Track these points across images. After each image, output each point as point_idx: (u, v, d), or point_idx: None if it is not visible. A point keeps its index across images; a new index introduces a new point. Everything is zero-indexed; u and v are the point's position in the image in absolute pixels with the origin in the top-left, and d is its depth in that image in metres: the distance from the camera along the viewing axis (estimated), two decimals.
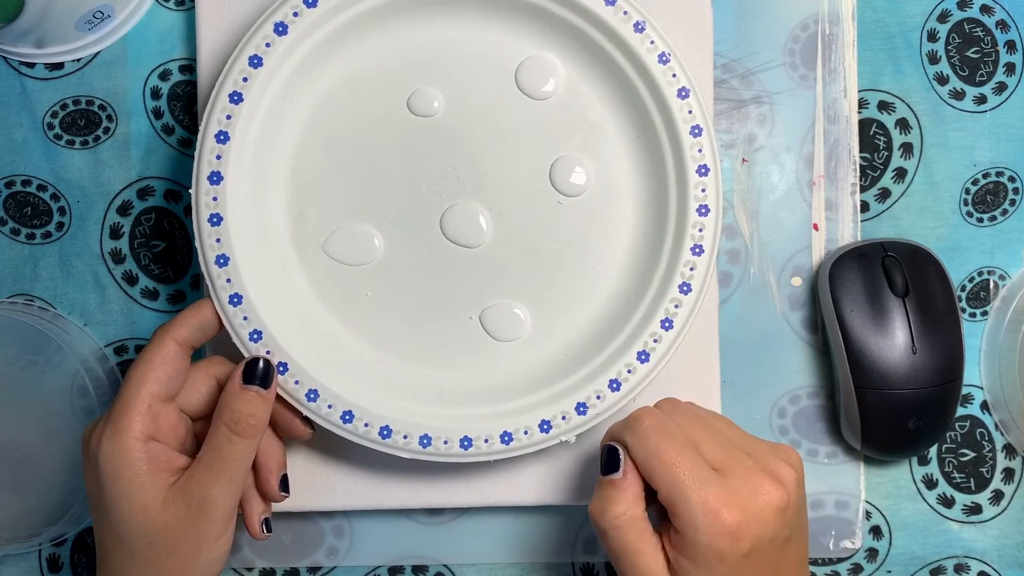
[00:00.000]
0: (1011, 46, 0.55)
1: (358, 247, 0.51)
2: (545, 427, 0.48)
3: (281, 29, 0.48)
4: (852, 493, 0.54)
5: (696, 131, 0.49)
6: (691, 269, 0.49)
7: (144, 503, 0.44)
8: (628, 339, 0.49)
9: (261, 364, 0.46)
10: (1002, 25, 0.55)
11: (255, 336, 0.48)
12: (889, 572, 0.55)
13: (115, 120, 0.54)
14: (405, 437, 0.48)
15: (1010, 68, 0.55)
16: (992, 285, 0.55)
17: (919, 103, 0.55)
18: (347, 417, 0.48)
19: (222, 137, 0.48)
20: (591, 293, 0.51)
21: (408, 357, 0.51)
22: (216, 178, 0.48)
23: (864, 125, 0.55)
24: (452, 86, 0.51)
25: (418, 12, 0.50)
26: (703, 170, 0.49)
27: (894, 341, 0.51)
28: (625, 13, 0.48)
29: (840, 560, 0.55)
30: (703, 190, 0.49)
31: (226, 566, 0.54)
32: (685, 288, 0.49)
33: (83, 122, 0.54)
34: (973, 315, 0.55)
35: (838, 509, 0.54)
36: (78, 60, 0.54)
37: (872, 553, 0.55)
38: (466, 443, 0.48)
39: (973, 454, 0.55)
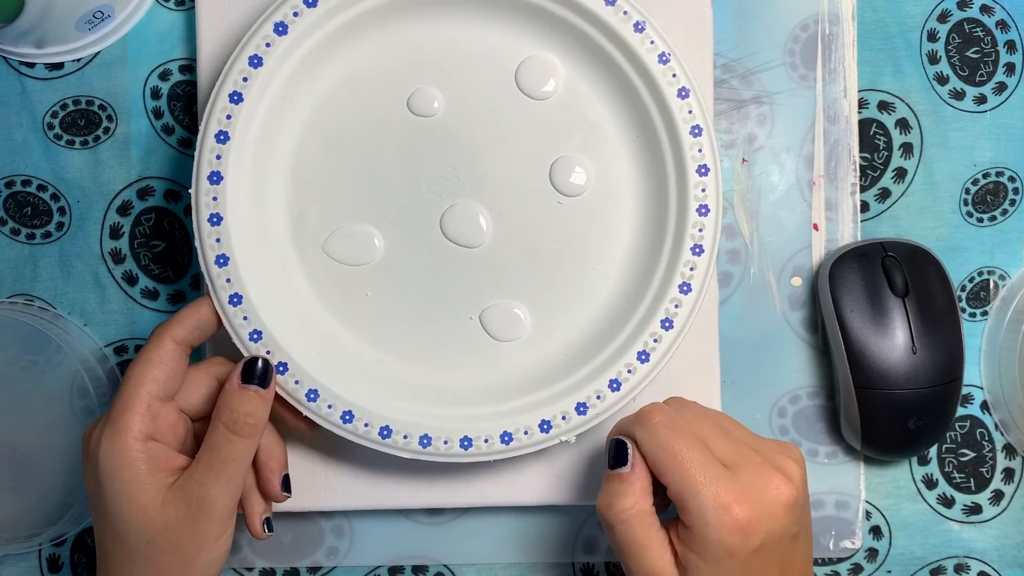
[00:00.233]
0: (1011, 46, 0.55)
1: (358, 247, 0.51)
2: (545, 427, 0.48)
3: (281, 29, 0.48)
4: (852, 493, 0.54)
5: (696, 131, 0.49)
6: (691, 269, 0.49)
7: (143, 503, 0.44)
8: (628, 339, 0.49)
9: (260, 363, 0.46)
10: (1002, 25, 0.55)
11: (255, 336, 0.48)
12: (889, 572, 0.55)
13: (115, 120, 0.54)
14: (405, 437, 0.48)
15: (1010, 68, 0.55)
16: (992, 285, 0.55)
17: (919, 103, 0.55)
18: (347, 417, 0.48)
19: (222, 137, 0.48)
20: (591, 293, 0.51)
21: (408, 357, 0.51)
22: (216, 178, 0.48)
23: (864, 125, 0.55)
24: (452, 86, 0.51)
25: (418, 12, 0.50)
26: (703, 170, 0.49)
27: (894, 341, 0.51)
28: (625, 13, 0.48)
29: (840, 560, 0.55)
30: (703, 190, 0.49)
31: (226, 566, 0.54)
32: (685, 288, 0.49)
33: (83, 122, 0.54)
34: (973, 315, 0.55)
35: (838, 509, 0.54)
36: (78, 60, 0.54)
37: (872, 553, 0.55)
38: (466, 443, 0.48)
39: (973, 454, 0.55)
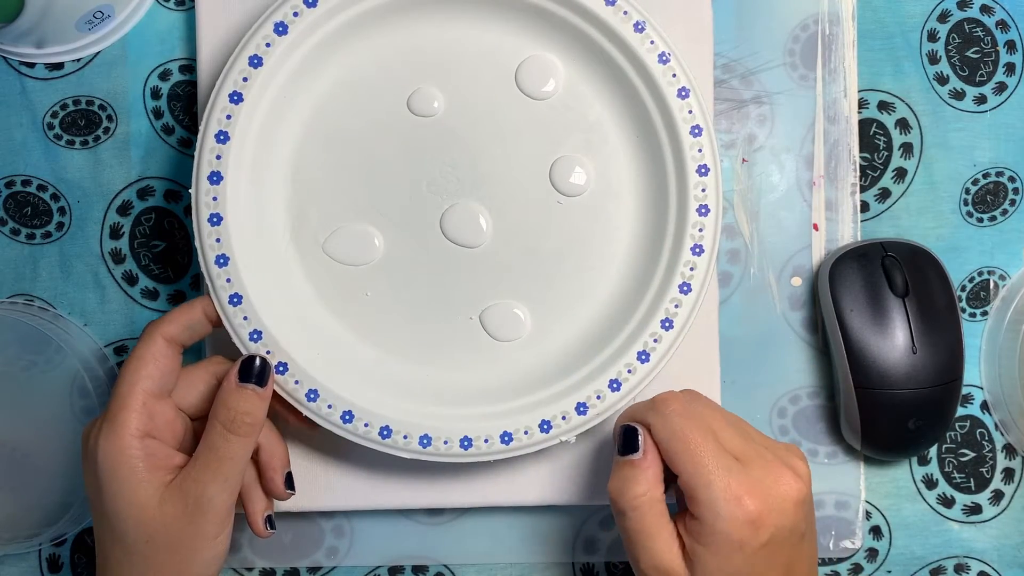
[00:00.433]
0: (1011, 46, 0.55)
1: (358, 247, 0.51)
2: (545, 427, 0.48)
3: (281, 29, 0.48)
4: (852, 493, 0.54)
5: (696, 131, 0.49)
6: (691, 269, 0.49)
7: (141, 501, 0.44)
8: (628, 339, 0.49)
9: (258, 362, 0.46)
10: (1002, 25, 0.55)
11: (255, 336, 0.48)
12: (889, 572, 0.55)
13: (115, 120, 0.54)
14: (405, 437, 0.48)
15: (1010, 68, 0.55)
16: (992, 285, 0.55)
17: (919, 103, 0.55)
18: (347, 417, 0.48)
19: (222, 137, 0.48)
20: (591, 293, 0.51)
21: (408, 357, 0.51)
22: (216, 178, 0.48)
23: (864, 125, 0.55)
24: (452, 86, 0.51)
25: (418, 12, 0.50)
26: (703, 170, 0.49)
27: (894, 341, 0.51)
28: (625, 13, 0.48)
29: (840, 560, 0.55)
30: (703, 190, 0.49)
31: (225, 565, 0.54)
32: (685, 288, 0.49)
33: (83, 122, 0.54)
34: (973, 315, 0.55)
35: (838, 509, 0.54)
36: (78, 60, 0.54)
37: (872, 553, 0.55)
38: (466, 443, 0.48)
39: (973, 454, 0.55)
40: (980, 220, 0.55)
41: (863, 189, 0.55)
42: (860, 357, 0.51)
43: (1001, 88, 0.55)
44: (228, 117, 0.48)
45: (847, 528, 0.54)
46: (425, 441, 0.48)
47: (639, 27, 0.48)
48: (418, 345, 0.51)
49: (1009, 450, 0.55)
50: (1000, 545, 0.55)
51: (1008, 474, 0.55)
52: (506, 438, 0.48)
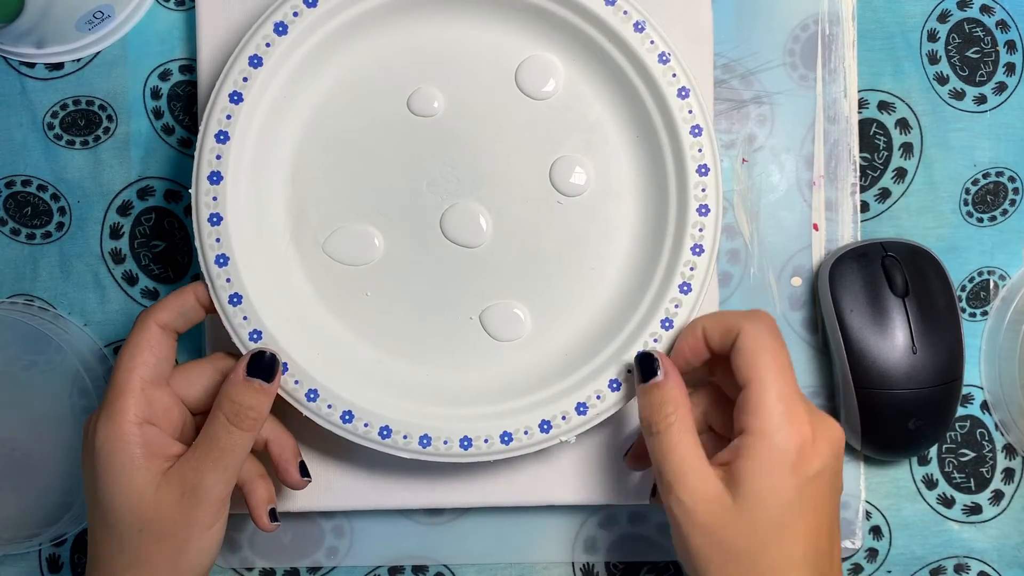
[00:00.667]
0: (1011, 46, 0.55)
1: (358, 247, 0.51)
2: (545, 427, 0.48)
3: (281, 29, 0.48)
4: (852, 493, 0.54)
5: (696, 131, 0.49)
6: (691, 269, 0.49)
7: (138, 487, 0.43)
8: (628, 339, 0.49)
9: (267, 356, 0.46)
10: (1002, 25, 0.55)
11: (255, 336, 0.48)
12: (889, 572, 0.55)
13: (115, 120, 0.54)
14: (405, 437, 0.48)
15: (1010, 68, 0.55)
16: (992, 285, 0.55)
17: (919, 103, 0.55)
18: (347, 417, 0.48)
19: (222, 137, 0.48)
20: (591, 293, 0.51)
21: (408, 357, 0.51)
22: (216, 178, 0.48)
23: (864, 125, 0.55)
24: (452, 86, 0.51)
25: (418, 12, 0.50)
26: (703, 170, 0.49)
27: (894, 341, 0.51)
28: (625, 13, 0.48)
29: (840, 560, 0.55)
30: (703, 190, 0.49)
31: (223, 565, 0.54)
32: (685, 288, 0.49)
33: (83, 122, 0.54)
34: (973, 315, 0.55)
35: None
36: (78, 60, 0.54)
37: (872, 553, 0.55)
38: (466, 443, 0.48)
39: (973, 454, 0.55)
40: (980, 220, 0.55)
41: (863, 189, 0.55)
42: (860, 357, 0.51)
43: (1001, 88, 0.55)
44: (228, 117, 0.48)
45: (847, 528, 0.54)
46: (425, 441, 0.48)
47: (639, 27, 0.48)
48: (418, 345, 0.51)
49: (1009, 450, 0.55)
50: (1000, 545, 0.55)
51: (1008, 474, 0.55)
52: (506, 438, 0.48)
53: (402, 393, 0.49)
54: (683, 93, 0.49)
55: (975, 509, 0.55)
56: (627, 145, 0.51)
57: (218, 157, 0.48)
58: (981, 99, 0.55)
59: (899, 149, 0.55)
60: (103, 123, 0.54)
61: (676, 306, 0.49)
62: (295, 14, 0.48)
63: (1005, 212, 0.55)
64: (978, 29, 0.55)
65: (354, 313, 0.51)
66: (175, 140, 0.54)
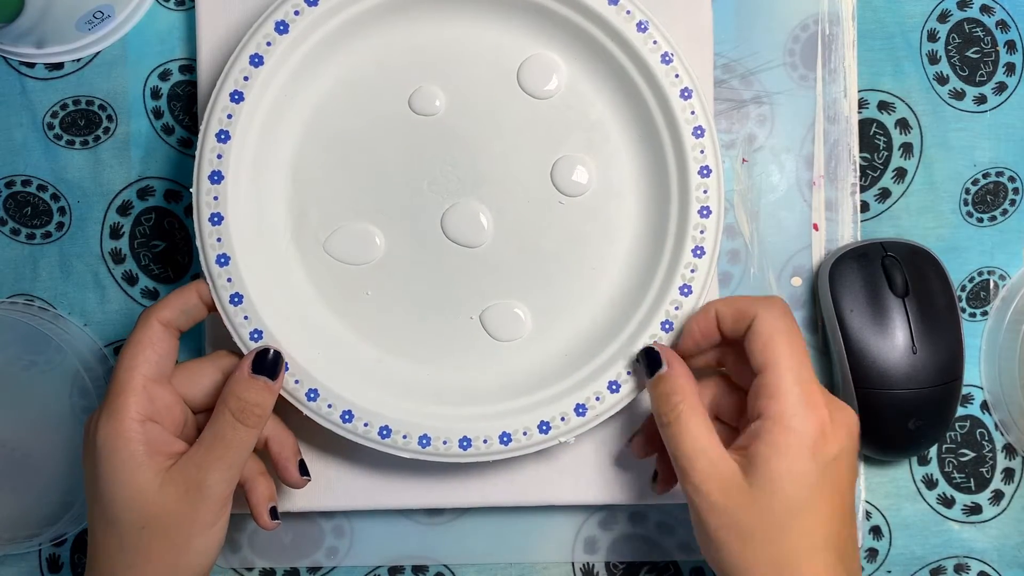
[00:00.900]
0: (1011, 46, 0.55)
1: (359, 246, 0.51)
2: (544, 428, 0.48)
3: (282, 28, 0.48)
4: None
5: (698, 132, 0.49)
6: (692, 271, 0.49)
7: (140, 484, 0.43)
8: (628, 340, 0.49)
9: (271, 354, 0.46)
10: (1002, 25, 0.55)
11: (255, 335, 0.48)
12: (889, 572, 0.55)
13: (115, 120, 0.54)
14: (405, 437, 0.48)
15: (1010, 68, 0.55)
16: (992, 285, 0.55)
17: (919, 103, 0.55)
18: (347, 417, 0.48)
19: (223, 136, 0.48)
20: (592, 294, 0.51)
21: (408, 357, 0.51)
22: (217, 177, 0.48)
23: (864, 125, 0.55)
24: (453, 85, 0.51)
25: (419, 10, 0.50)
26: (705, 171, 0.49)
27: (894, 341, 0.51)
28: (628, 12, 0.48)
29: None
30: (705, 191, 0.49)
31: (224, 565, 0.54)
32: (686, 290, 0.49)
33: (83, 122, 0.54)
34: (973, 315, 0.55)
35: None
36: (78, 60, 0.54)
37: (872, 553, 0.55)
38: (465, 443, 0.48)
39: (973, 454, 0.55)
40: (980, 220, 0.55)
41: (863, 189, 0.55)
42: (860, 357, 0.51)
43: (1001, 88, 0.55)
44: (229, 116, 0.48)
45: None
46: (424, 441, 0.48)
47: (642, 27, 0.48)
48: (418, 345, 0.51)
49: (1009, 450, 0.55)
50: (1000, 545, 0.55)
51: (1008, 474, 0.55)
52: (505, 438, 0.48)
53: (402, 393, 0.49)
54: (686, 94, 0.49)
55: (975, 509, 0.55)
56: (629, 145, 0.51)
57: (219, 156, 0.48)
58: (981, 99, 0.55)
59: (899, 149, 0.55)
60: (103, 123, 0.54)
61: (676, 308, 0.49)
62: (296, 13, 0.48)
63: (1005, 212, 0.55)
64: (978, 29, 0.55)
65: (355, 312, 0.51)
66: (175, 140, 0.54)
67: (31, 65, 0.54)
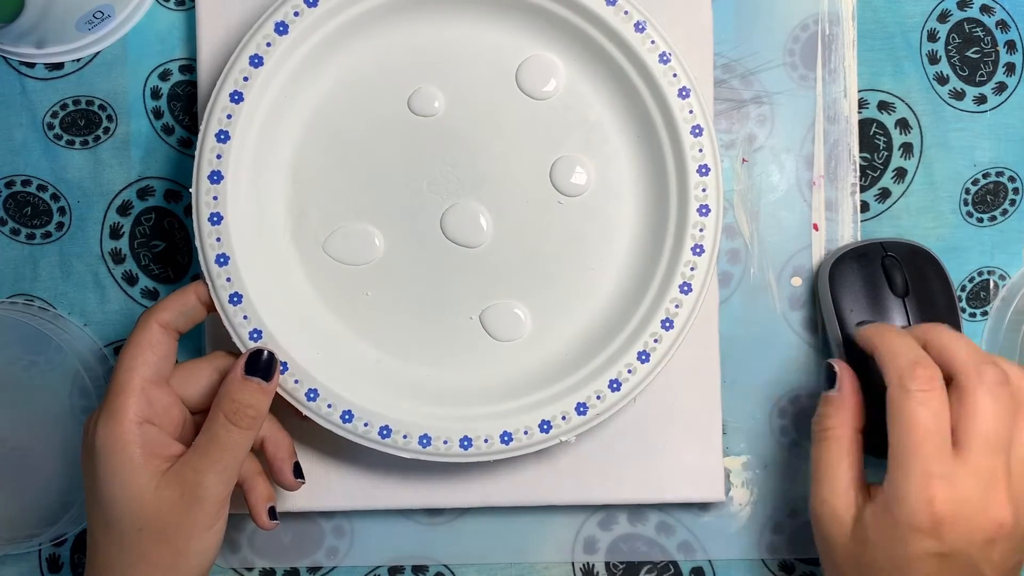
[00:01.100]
0: (1011, 46, 0.55)
1: (358, 246, 0.51)
2: (545, 427, 0.48)
3: (282, 29, 0.48)
4: None
5: (697, 131, 0.49)
6: (691, 269, 0.49)
7: (138, 486, 0.43)
8: (628, 339, 0.49)
9: (265, 355, 0.46)
10: (1002, 25, 0.55)
11: (255, 335, 0.48)
12: None
13: (115, 120, 0.54)
14: (405, 437, 0.48)
15: (1010, 68, 0.55)
16: (992, 285, 0.55)
17: (919, 103, 0.55)
18: (347, 417, 0.48)
19: (223, 136, 0.48)
20: (591, 293, 0.51)
21: (408, 357, 0.51)
22: (216, 177, 0.48)
23: (864, 125, 0.55)
24: (453, 86, 0.51)
25: (419, 11, 0.50)
26: (704, 170, 0.49)
27: None
28: (626, 13, 0.48)
29: None
30: (704, 190, 0.49)
31: (223, 565, 0.54)
32: (685, 288, 0.49)
33: (83, 122, 0.54)
34: (973, 315, 0.55)
35: None
36: (78, 60, 0.54)
37: None
38: (466, 443, 0.48)
39: None
40: (980, 220, 0.55)
41: (863, 189, 0.55)
42: (860, 357, 0.51)
43: (1001, 88, 0.55)
44: (229, 116, 0.48)
45: None
46: (425, 441, 0.48)
47: (640, 27, 0.48)
48: (418, 345, 0.51)
49: None
50: None
51: None
52: (506, 438, 0.48)
53: (402, 393, 0.49)
54: (684, 93, 0.49)
55: None
56: (628, 145, 0.51)
57: (219, 156, 0.48)
58: (981, 99, 0.55)
59: (899, 149, 0.55)
60: (103, 123, 0.54)
61: (676, 306, 0.49)
62: (296, 14, 0.48)
63: (1005, 212, 0.55)
64: (978, 29, 0.55)
65: (354, 313, 0.51)
66: (175, 140, 0.54)
67: (31, 65, 0.54)
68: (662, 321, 0.49)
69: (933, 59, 0.55)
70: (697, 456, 0.52)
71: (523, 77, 0.51)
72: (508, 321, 0.51)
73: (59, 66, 0.54)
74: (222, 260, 0.48)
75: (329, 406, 0.48)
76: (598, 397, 0.48)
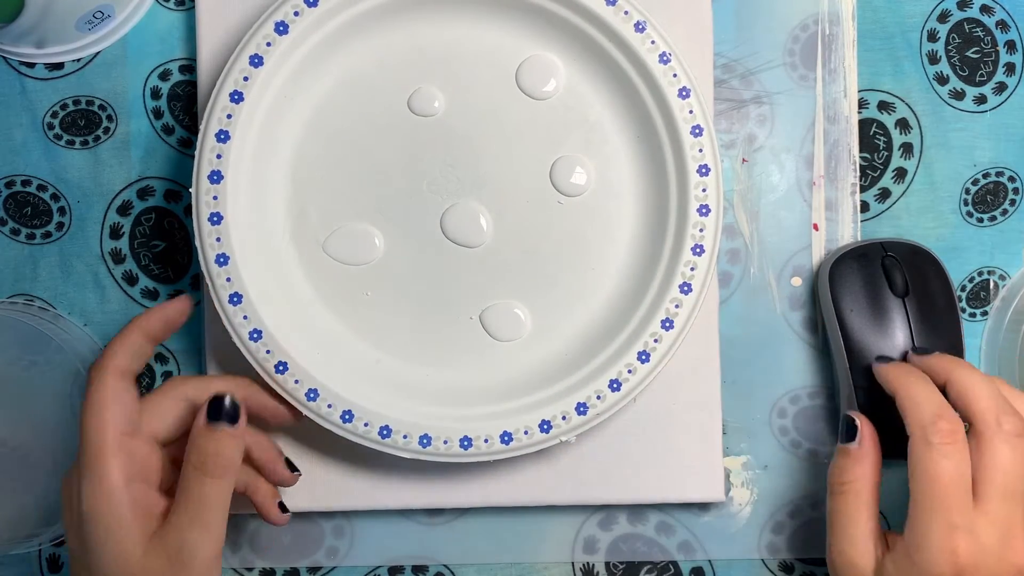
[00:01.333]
0: (1011, 46, 0.55)
1: (358, 247, 0.51)
2: (545, 427, 0.48)
3: (282, 28, 0.48)
4: None
5: (697, 131, 0.49)
6: (692, 269, 0.49)
7: (126, 551, 0.42)
8: (628, 339, 0.49)
9: (227, 401, 0.44)
10: (1002, 25, 0.55)
11: (255, 335, 0.48)
12: None
13: (115, 120, 0.54)
14: (405, 437, 0.48)
15: (1010, 68, 0.55)
16: (992, 285, 0.55)
17: (919, 103, 0.55)
18: (347, 417, 0.48)
19: (223, 136, 0.48)
20: (591, 293, 0.51)
21: (408, 357, 0.51)
22: (216, 177, 0.48)
23: (864, 125, 0.55)
24: (453, 86, 0.51)
25: (419, 11, 0.50)
26: (704, 170, 0.49)
27: (894, 341, 0.51)
28: (626, 13, 0.48)
29: None
30: (704, 190, 0.49)
31: (225, 565, 0.54)
32: (686, 288, 0.49)
33: (83, 122, 0.54)
34: (973, 315, 0.55)
35: None
36: (78, 60, 0.54)
37: None
38: (466, 443, 0.48)
39: None
40: (980, 220, 0.55)
41: (863, 189, 0.55)
42: (860, 357, 0.51)
43: (1001, 88, 0.55)
44: (229, 116, 0.48)
45: None
46: (425, 441, 0.48)
47: (640, 27, 0.48)
48: (418, 345, 0.51)
49: None
50: None
51: None
52: (506, 438, 0.48)
53: (402, 393, 0.49)
54: (684, 93, 0.49)
55: None
56: (628, 145, 0.51)
57: (218, 156, 0.48)
58: (981, 99, 0.55)
59: (899, 149, 0.55)
60: (103, 123, 0.54)
61: (676, 306, 0.49)
62: (296, 13, 0.48)
63: (1005, 212, 0.55)
64: (978, 29, 0.55)
65: (354, 313, 0.51)
66: (175, 140, 0.54)
67: (31, 65, 0.54)
68: (662, 321, 0.49)
69: (933, 59, 0.55)
70: (697, 456, 0.52)
71: (523, 77, 0.51)
72: (508, 321, 0.51)
73: (59, 66, 0.54)
74: (222, 260, 0.48)
75: (329, 406, 0.48)
76: (598, 397, 0.48)
